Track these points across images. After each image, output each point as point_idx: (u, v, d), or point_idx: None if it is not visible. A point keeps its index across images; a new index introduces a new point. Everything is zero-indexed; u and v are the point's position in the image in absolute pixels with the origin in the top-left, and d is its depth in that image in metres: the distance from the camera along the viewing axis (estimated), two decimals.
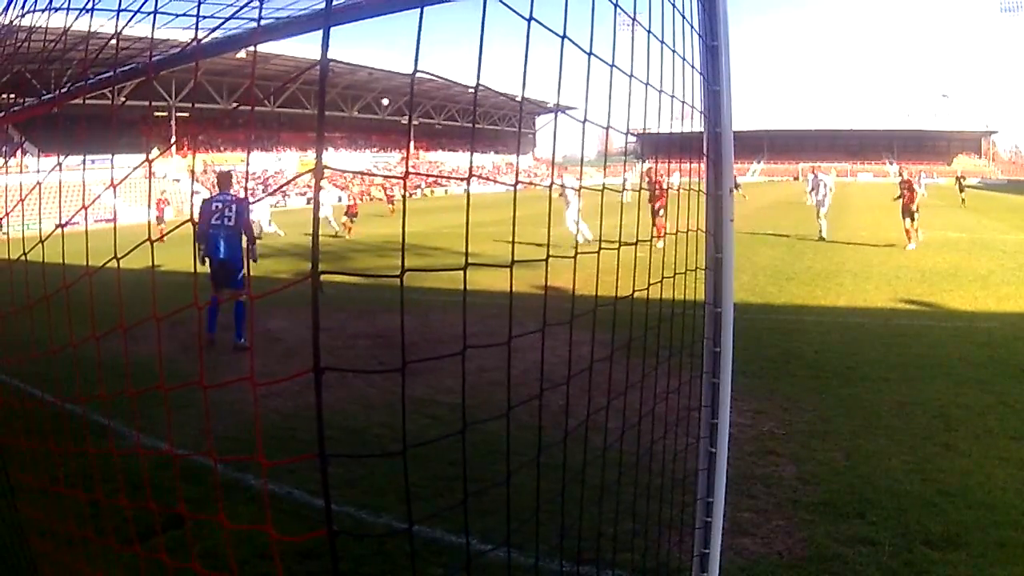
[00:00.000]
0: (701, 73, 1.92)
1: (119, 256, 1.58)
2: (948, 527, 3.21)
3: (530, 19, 1.21)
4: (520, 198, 1.54)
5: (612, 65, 1.54)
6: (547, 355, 1.50)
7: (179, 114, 46.92)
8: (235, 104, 45.85)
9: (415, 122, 63.74)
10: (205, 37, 1.74)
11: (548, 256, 1.36)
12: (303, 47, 37.62)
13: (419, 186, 48.00)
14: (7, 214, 2.35)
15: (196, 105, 47.73)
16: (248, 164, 1.22)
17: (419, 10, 1.04)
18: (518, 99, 1.34)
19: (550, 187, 1.80)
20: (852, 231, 17.01)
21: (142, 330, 1.64)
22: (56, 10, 2.11)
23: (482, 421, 1.32)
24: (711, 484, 2.10)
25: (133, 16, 1.59)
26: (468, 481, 1.24)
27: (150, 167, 1.61)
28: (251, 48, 2.05)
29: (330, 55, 0.93)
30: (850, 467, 3.96)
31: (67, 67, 2.61)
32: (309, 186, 38.55)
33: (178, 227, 1.93)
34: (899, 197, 14.25)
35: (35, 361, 2.14)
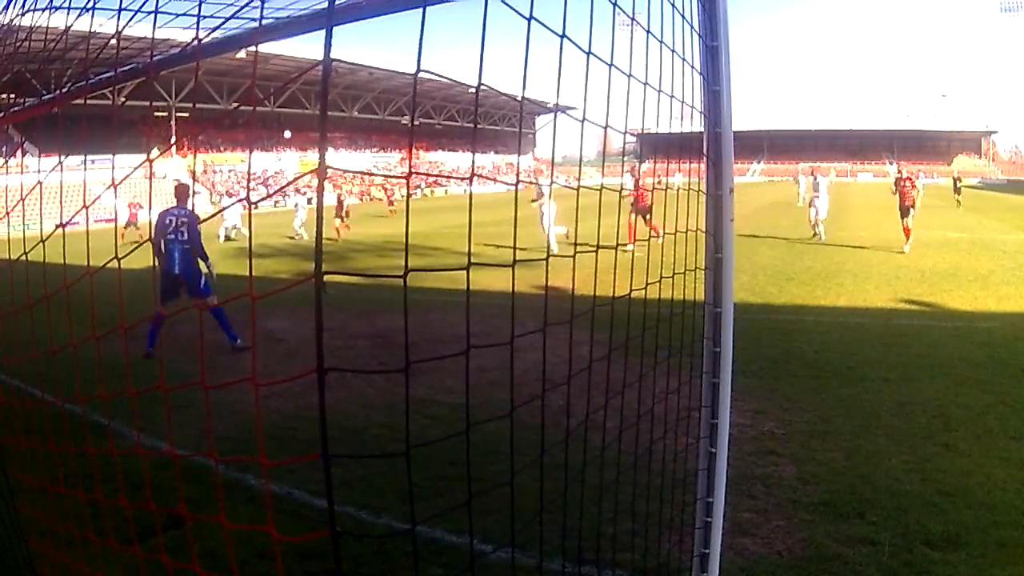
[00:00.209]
0: (701, 73, 1.92)
1: (119, 256, 1.59)
2: (948, 527, 3.21)
3: (530, 18, 1.21)
4: (521, 198, 1.54)
5: (611, 65, 1.54)
6: (547, 355, 1.50)
7: (179, 114, 46.91)
8: (235, 104, 45.83)
9: (416, 122, 63.76)
10: (206, 37, 1.74)
11: (548, 256, 1.36)
12: (303, 47, 37.59)
13: (419, 186, 47.98)
14: (7, 214, 2.35)
15: (196, 105, 47.71)
16: (249, 164, 1.22)
17: (421, 10, 1.04)
18: (518, 99, 1.34)
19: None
20: (852, 231, 17.01)
21: (142, 329, 1.64)
22: (56, 10, 2.11)
23: (484, 421, 1.32)
24: (711, 484, 2.10)
25: (133, 16, 1.59)
26: (468, 481, 1.24)
27: (150, 167, 1.61)
28: (251, 48, 2.05)
29: (331, 55, 0.93)
30: (850, 467, 3.96)
31: (67, 67, 2.61)
32: (309, 186, 38.54)
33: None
34: (896, 192, 14.16)
35: (35, 361, 2.14)
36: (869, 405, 4.98)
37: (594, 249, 1.60)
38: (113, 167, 1.83)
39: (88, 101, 1.95)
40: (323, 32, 0.93)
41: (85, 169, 2.10)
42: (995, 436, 4.32)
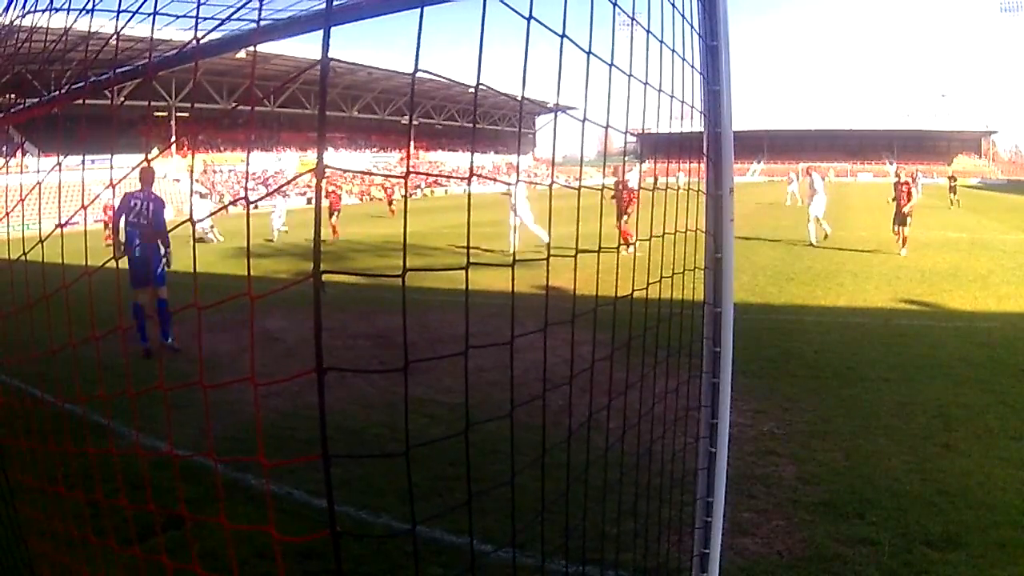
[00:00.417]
0: (701, 73, 1.92)
1: (118, 256, 1.58)
2: (948, 527, 3.21)
3: (530, 18, 1.21)
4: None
5: (611, 65, 1.54)
6: (547, 355, 1.50)
7: (179, 114, 46.92)
8: (235, 104, 45.83)
9: (415, 122, 63.74)
10: (204, 37, 1.74)
11: (549, 256, 1.36)
12: (303, 47, 37.63)
13: (419, 186, 48.02)
14: (7, 214, 2.35)
15: (196, 105, 47.71)
16: (248, 164, 1.22)
17: (419, 10, 1.04)
18: (518, 99, 1.34)
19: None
20: (852, 231, 17.01)
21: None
22: (56, 10, 2.11)
23: (484, 421, 1.32)
24: (711, 484, 2.10)
25: (133, 16, 1.59)
26: (468, 481, 1.24)
27: (150, 167, 1.60)
28: (251, 48, 2.05)
29: (330, 55, 0.93)
30: (850, 467, 3.96)
31: (67, 68, 2.61)
32: (309, 186, 38.52)
33: (177, 227, 1.93)
34: (894, 199, 13.35)
35: (35, 361, 2.14)
36: (869, 405, 4.98)
37: (595, 251, 1.60)
38: (112, 167, 1.83)
39: (88, 101, 1.94)
40: (322, 32, 0.93)
41: (84, 169, 2.10)
42: (995, 436, 4.32)
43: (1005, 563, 2.92)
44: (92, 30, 1.95)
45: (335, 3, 1.09)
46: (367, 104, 61.19)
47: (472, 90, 1.11)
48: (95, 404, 3.71)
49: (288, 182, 1.50)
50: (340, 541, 1.00)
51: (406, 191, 1.01)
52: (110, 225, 7.79)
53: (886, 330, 7.25)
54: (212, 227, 20.41)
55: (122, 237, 6.96)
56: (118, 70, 2.13)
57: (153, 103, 44.02)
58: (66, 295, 1.73)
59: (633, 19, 1.58)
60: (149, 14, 1.52)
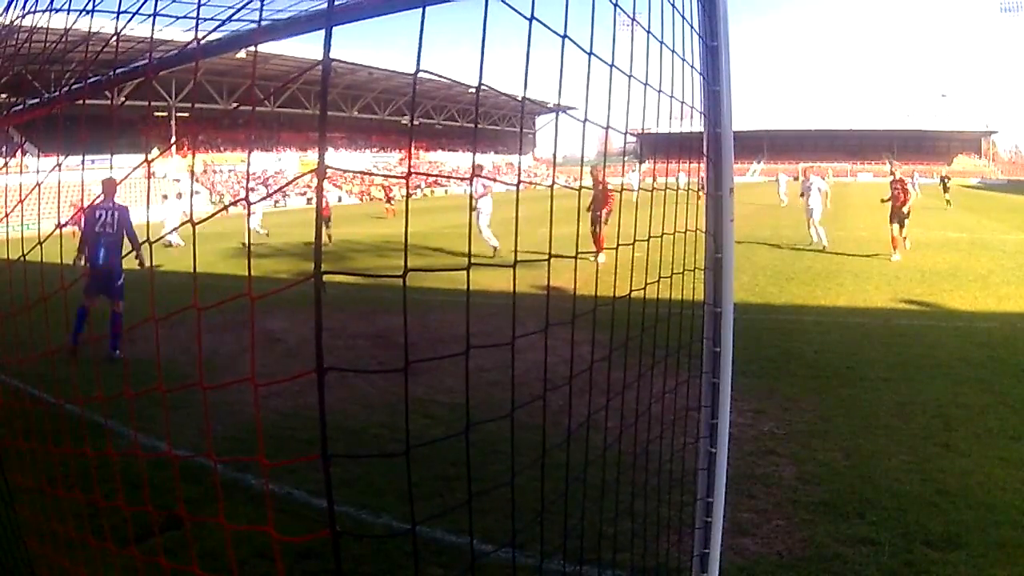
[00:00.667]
0: (701, 73, 1.92)
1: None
2: (948, 527, 3.21)
3: (531, 18, 1.20)
4: (521, 198, 1.54)
5: (612, 65, 1.54)
6: (547, 355, 1.50)
7: (179, 114, 46.91)
8: (235, 104, 45.83)
9: (415, 122, 63.75)
10: (205, 37, 1.74)
11: (550, 256, 1.36)
12: (303, 47, 37.61)
13: (419, 186, 48.02)
14: (7, 214, 2.35)
15: (196, 105, 47.71)
16: (248, 164, 1.22)
17: (421, 10, 1.04)
18: (519, 99, 1.34)
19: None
20: (851, 231, 17.00)
21: (141, 330, 1.64)
22: (56, 11, 2.11)
23: (485, 421, 1.32)
24: (711, 484, 2.10)
25: (133, 16, 1.59)
26: (468, 481, 1.24)
27: (149, 167, 1.61)
28: (251, 48, 2.05)
29: (331, 55, 0.93)
30: (850, 467, 3.96)
31: (67, 68, 2.61)
32: (309, 186, 38.52)
33: (178, 227, 1.93)
34: (889, 198, 12.58)
35: (35, 361, 2.14)
36: (869, 405, 4.98)
37: (596, 251, 1.60)
38: (112, 167, 1.83)
39: (88, 101, 1.94)
40: (323, 32, 0.93)
41: (84, 169, 2.10)
42: (995, 436, 4.32)
43: (1005, 563, 2.92)
44: (92, 30, 1.95)
45: (336, 3, 1.09)
46: (367, 104, 61.18)
47: (472, 90, 1.11)
48: (94, 404, 3.71)
49: (289, 183, 1.50)
50: (340, 541, 1.00)
51: (407, 191, 1.01)
52: (77, 223, 7.87)
53: (886, 330, 7.25)
54: (173, 231, 19.35)
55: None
56: (118, 70, 2.13)
57: (153, 103, 44.00)
58: (64, 295, 1.73)
59: (634, 19, 1.58)
60: (149, 14, 1.52)
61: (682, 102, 1.88)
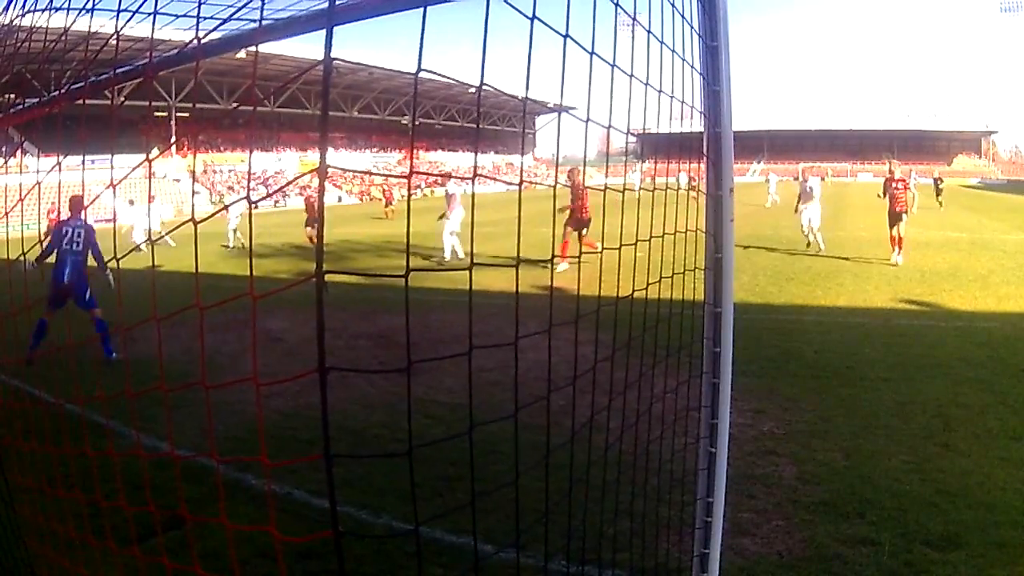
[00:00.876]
0: (701, 73, 1.92)
1: (119, 256, 1.59)
2: (948, 527, 3.21)
3: (533, 18, 1.20)
4: (520, 198, 1.54)
5: (613, 65, 1.54)
6: (551, 355, 1.50)
7: (179, 114, 46.90)
8: (235, 104, 45.84)
9: (416, 122, 63.76)
10: (205, 37, 1.74)
11: (553, 256, 1.37)
12: (303, 47, 37.58)
13: (419, 186, 48.00)
14: (7, 214, 2.35)
15: (196, 105, 47.70)
16: (250, 164, 1.22)
17: (421, 10, 1.04)
18: (520, 99, 1.33)
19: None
20: (851, 231, 17.00)
21: (142, 331, 1.64)
22: (56, 10, 2.11)
23: (488, 422, 1.32)
24: (711, 484, 2.10)
25: (133, 16, 1.59)
26: (468, 482, 1.24)
27: (150, 167, 1.61)
28: (251, 48, 2.05)
29: (332, 55, 0.93)
30: (850, 467, 3.96)
31: (67, 68, 2.61)
32: (309, 186, 38.49)
33: (178, 227, 1.93)
34: (885, 195, 12.09)
35: (35, 361, 2.14)
36: (869, 405, 4.98)
37: (597, 251, 1.60)
38: (112, 167, 1.83)
39: (88, 101, 1.94)
40: (323, 32, 0.93)
41: (84, 169, 2.10)
42: (995, 436, 4.32)
43: (1005, 563, 2.92)
44: (92, 30, 1.95)
45: (337, 3, 1.09)
46: (367, 104, 61.18)
47: (472, 90, 1.11)
48: (95, 404, 3.71)
49: (289, 183, 1.50)
50: (342, 541, 1.00)
51: (409, 191, 1.01)
52: (50, 231, 7.91)
53: (886, 330, 7.25)
54: (145, 241, 17.58)
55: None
56: (118, 70, 2.13)
57: (153, 103, 44.00)
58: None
59: (635, 19, 1.58)
60: (149, 14, 1.52)
61: (682, 102, 1.89)
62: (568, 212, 11.50)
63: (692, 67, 1.90)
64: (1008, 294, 8.88)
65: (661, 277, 2.01)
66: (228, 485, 3.94)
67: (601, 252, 1.52)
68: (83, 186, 1.85)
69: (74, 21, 1.95)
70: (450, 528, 3.31)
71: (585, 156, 1.51)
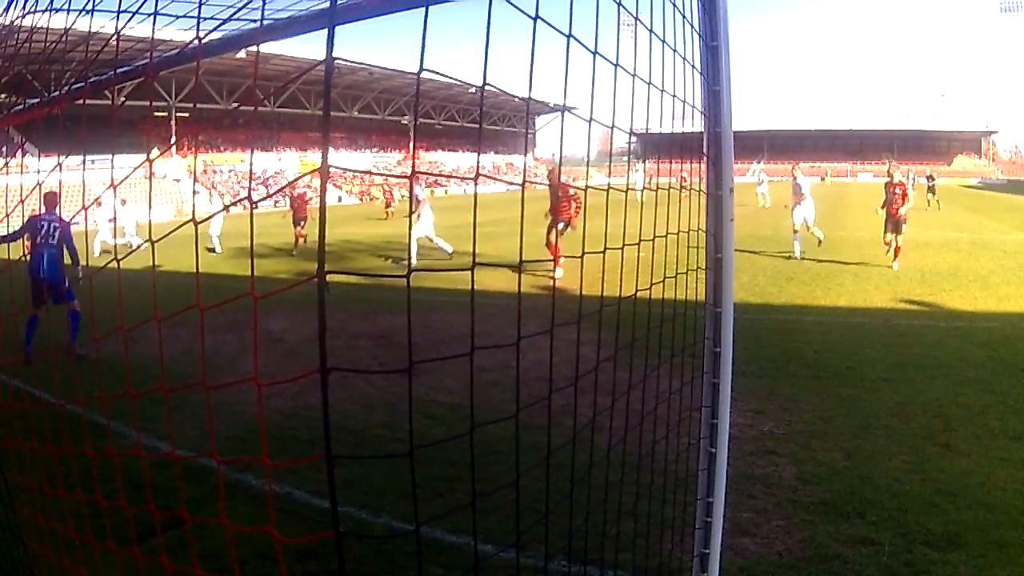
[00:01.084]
0: (701, 73, 1.92)
1: (119, 257, 1.59)
2: (948, 527, 3.21)
3: (536, 17, 1.20)
4: (519, 198, 1.54)
5: (616, 64, 1.54)
6: (550, 355, 1.50)
7: (179, 114, 46.88)
8: (235, 104, 45.83)
9: (416, 122, 63.80)
10: (206, 37, 1.74)
11: (555, 257, 1.36)
12: (303, 47, 37.60)
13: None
14: (7, 214, 2.35)
15: (196, 105, 47.68)
16: (251, 164, 1.22)
17: (422, 10, 1.04)
18: (521, 99, 1.33)
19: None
20: (850, 231, 17.00)
21: (142, 331, 1.64)
22: (56, 11, 2.11)
23: (489, 422, 1.32)
24: (711, 484, 2.10)
25: (133, 16, 1.59)
26: (468, 482, 1.24)
27: (150, 167, 1.61)
28: (252, 48, 2.05)
29: (333, 54, 0.93)
30: (850, 467, 3.96)
31: (67, 68, 2.61)
32: (308, 186, 38.41)
33: (178, 228, 1.92)
34: (884, 204, 11.54)
35: (33, 360, 2.14)
36: (869, 405, 4.98)
37: (599, 251, 1.60)
38: (112, 167, 1.83)
39: (88, 101, 1.94)
40: (324, 32, 0.93)
41: (84, 169, 2.10)
42: (995, 436, 4.32)
43: (1005, 563, 2.92)
44: (92, 30, 1.95)
45: (337, 3, 1.09)
46: (367, 104, 61.16)
47: (473, 90, 1.11)
48: (95, 404, 3.71)
49: (290, 183, 1.50)
50: (342, 541, 1.00)
51: (410, 191, 1.01)
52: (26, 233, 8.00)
53: (886, 330, 7.25)
54: (136, 232, 17.58)
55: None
56: (118, 70, 2.13)
57: (153, 103, 43.99)
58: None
59: (637, 19, 1.58)
60: (149, 14, 1.52)
61: (683, 102, 1.88)
62: (547, 212, 11.18)
63: (693, 67, 1.90)
64: (1008, 294, 8.88)
65: (665, 277, 2.01)
66: (228, 485, 3.94)
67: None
68: (83, 186, 1.85)
69: (74, 21, 1.95)
70: (450, 528, 3.31)
71: (588, 156, 1.51)
